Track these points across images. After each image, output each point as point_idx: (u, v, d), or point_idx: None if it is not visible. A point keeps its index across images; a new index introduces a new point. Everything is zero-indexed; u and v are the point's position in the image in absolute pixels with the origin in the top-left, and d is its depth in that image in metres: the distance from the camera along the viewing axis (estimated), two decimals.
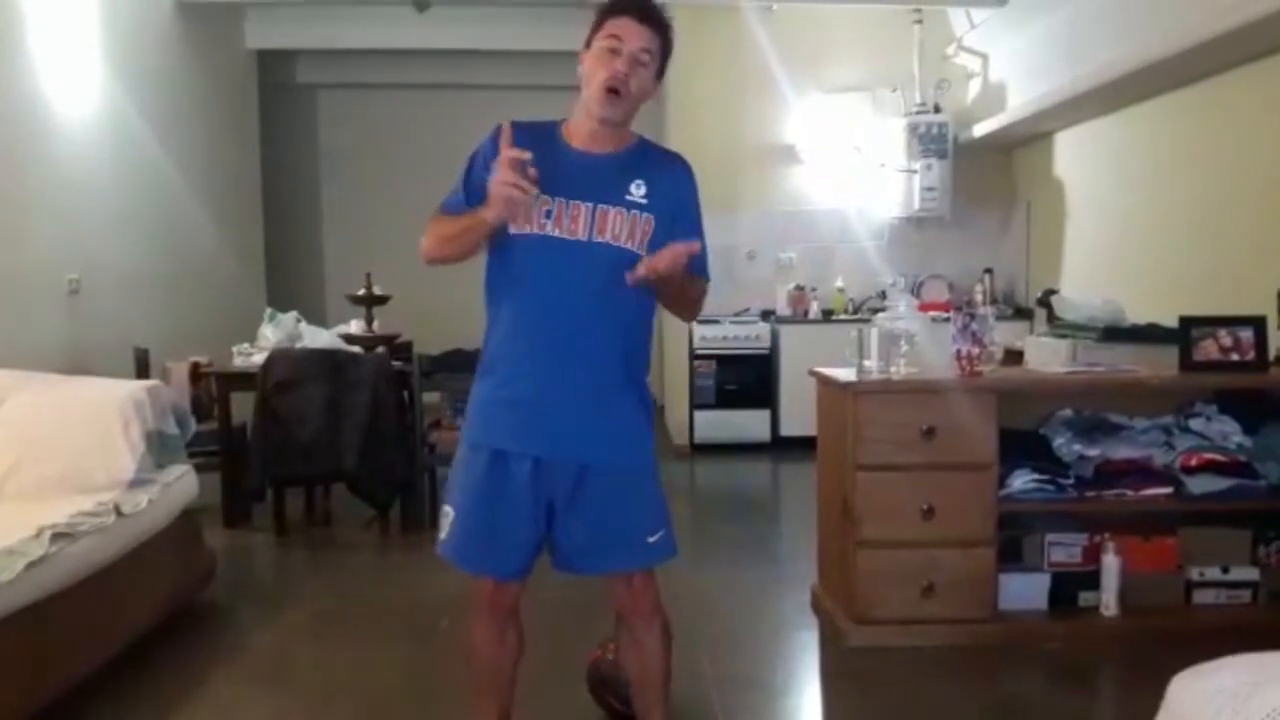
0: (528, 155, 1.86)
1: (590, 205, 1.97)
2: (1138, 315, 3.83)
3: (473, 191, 2.00)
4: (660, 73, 2.03)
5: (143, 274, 5.69)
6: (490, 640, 2.13)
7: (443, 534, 2.06)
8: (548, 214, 1.96)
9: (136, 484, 3.21)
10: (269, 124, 7.95)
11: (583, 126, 2.02)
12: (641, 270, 1.87)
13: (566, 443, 2.00)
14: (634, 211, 1.99)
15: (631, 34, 1.94)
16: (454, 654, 3.17)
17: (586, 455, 2.01)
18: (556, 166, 1.97)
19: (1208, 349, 3.30)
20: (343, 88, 8.63)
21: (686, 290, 2.04)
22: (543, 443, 1.99)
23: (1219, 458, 3.23)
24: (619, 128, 2.03)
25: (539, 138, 2.00)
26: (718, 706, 2.72)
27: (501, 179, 1.84)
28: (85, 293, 5.00)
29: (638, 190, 2.00)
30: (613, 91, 1.93)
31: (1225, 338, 3.28)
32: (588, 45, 2.00)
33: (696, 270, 2.03)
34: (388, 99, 8.56)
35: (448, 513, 2.06)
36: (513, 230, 1.96)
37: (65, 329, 4.87)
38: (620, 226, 1.98)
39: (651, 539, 2.07)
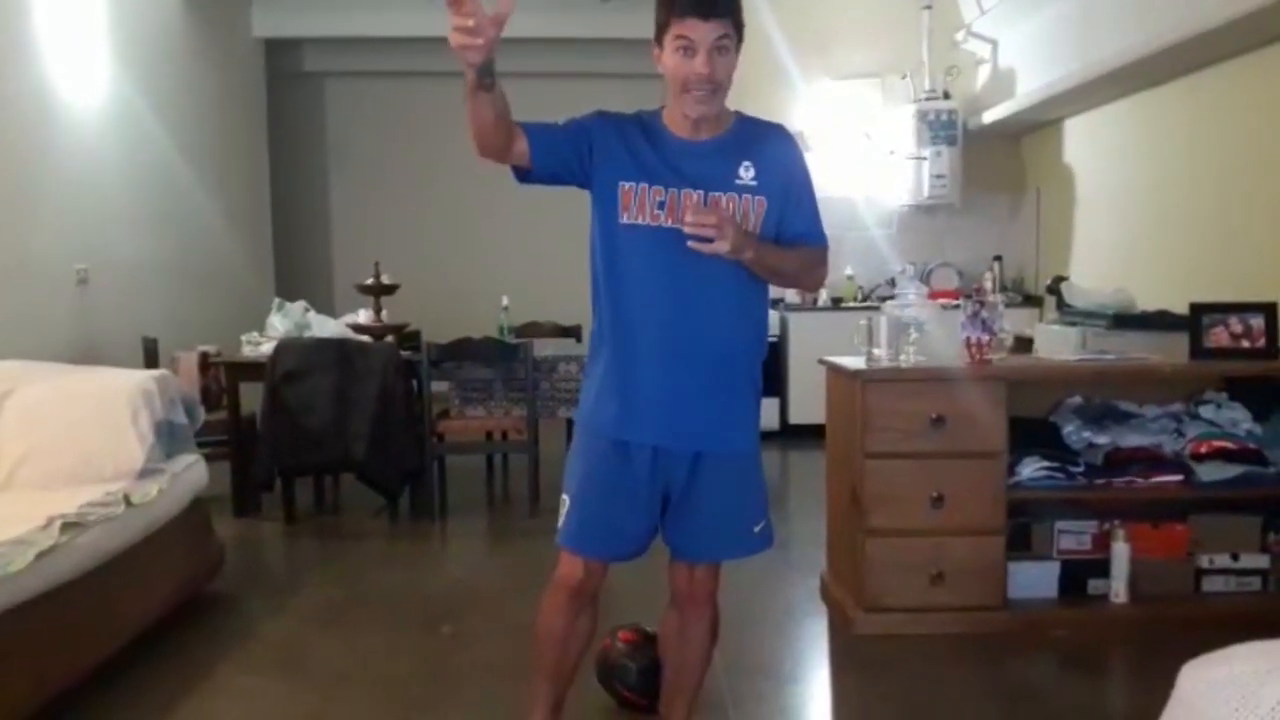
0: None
1: (701, 193, 1.97)
2: (1147, 303, 3.82)
3: (555, 134, 1.98)
4: (740, 40, 1.98)
5: (151, 264, 5.70)
6: (566, 623, 2.13)
7: (560, 522, 2.09)
8: (660, 204, 1.97)
9: (146, 474, 3.22)
10: (277, 112, 7.94)
11: (680, 116, 2.01)
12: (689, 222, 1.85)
13: (684, 431, 2.02)
14: (745, 195, 1.99)
15: (700, 31, 1.91)
16: (465, 643, 3.19)
17: (702, 443, 2.03)
18: (664, 156, 1.99)
19: (1218, 336, 3.28)
20: (350, 76, 8.61)
21: (785, 262, 2.03)
22: (661, 432, 2.02)
23: (1229, 445, 3.21)
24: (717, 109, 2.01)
25: (642, 125, 2.03)
26: (727, 694, 2.72)
27: (455, 36, 1.74)
28: (94, 283, 5.02)
29: (746, 173, 2.00)
30: (700, 94, 1.93)
31: (1236, 325, 3.26)
32: (658, 41, 1.98)
33: (811, 238, 2.06)
34: (396, 87, 8.54)
35: (565, 501, 2.09)
36: (625, 220, 1.98)
37: (74, 319, 4.88)
38: (734, 212, 1.98)
39: (756, 529, 2.12)
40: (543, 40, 7.36)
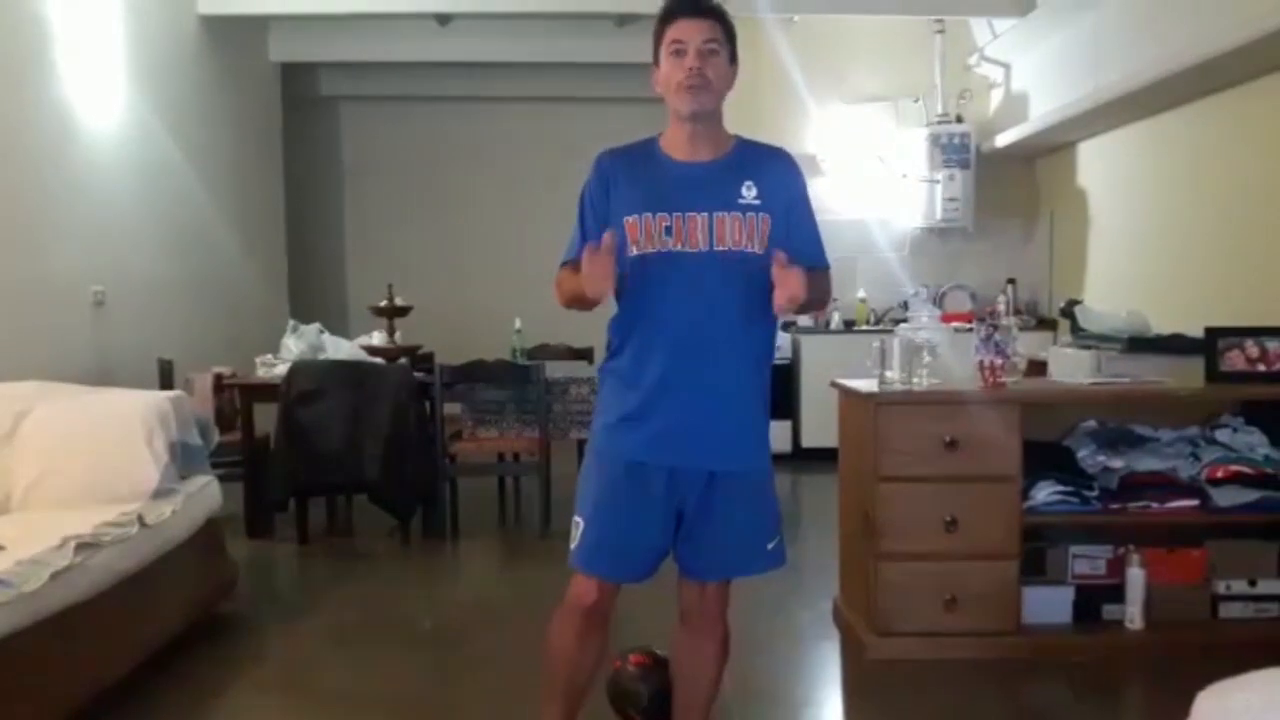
0: (612, 243, 1.93)
1: (706, 215, 1.99)
2: (1162, 326, 3.80)
3: (591, 237, 2.03)
4: (733, 57, 2.06)
5: (167, 285, 5.75)
6: (578, 643, 2.13)
7: (573, 544, 2.08)
8: (668, 230, 1.99)
9: (160, 494, 3.24)
10: (292, 136, 8.02)
11: (679, 137, 2.06)
12: (780, 305, 1.93)
13: (700, 451, 2.03)
14: (750, 214, 2.02)
15: (690, 31, 1.99)
16: (477, 664, 3.18)
17: (719, 462, 2.05)
18: (665, 182, 2.03)
19: (1234, 360, 3.26)
20: (365, 100, 8.69)
21: (812, 289, 2.03)
22: (678, 453, 2.03)
23: (1246, 469, 3.19)
24: (714, 126, 2.07)
25: (637, 158, 2.08)
26: (737, 717, 2.71)
27: (592, 273, 1.90)
28: (110, 304, 5.06)
29: (749, 192, 2.03)
30: (692, 87, 1.98)
31: (1252, 348, 3.25)
32: (655, 62, 2.05)
33: (815, 263, 2.09)
34: (410, 111, 8.62)
35: (578, 523, 2.08)
36: (634, 252, 2.01)
37: (90, 340, 4.92)
38: (738, 231, 2.01)
39: (770, 545, 2.13)
40: (558, 65, 7.43)
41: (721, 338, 2.03)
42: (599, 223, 2.04)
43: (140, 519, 3.00)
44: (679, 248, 1.99)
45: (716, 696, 2.25)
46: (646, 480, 2.03)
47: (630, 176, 2.06)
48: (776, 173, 2.08)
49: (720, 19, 2.03)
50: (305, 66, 8.05)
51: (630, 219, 2.01)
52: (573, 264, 2.04)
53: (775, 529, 2.15)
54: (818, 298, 2.10)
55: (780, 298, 1.91)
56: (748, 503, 2.10)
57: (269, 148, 7.62)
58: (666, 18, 2.02)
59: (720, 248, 2.00)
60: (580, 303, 2.03)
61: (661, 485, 2.03)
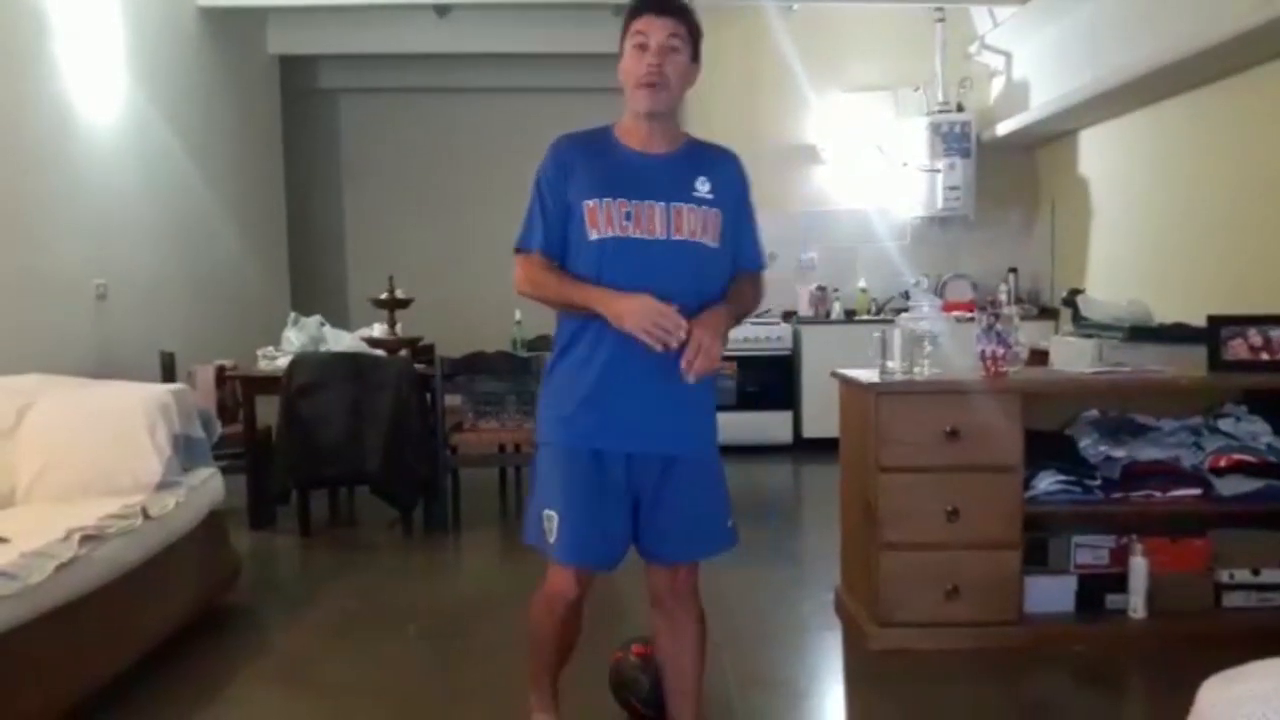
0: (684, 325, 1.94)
1: (664, 204, 2.04)
2: (1164, 315, 3.80)
3: (552, 225, 2.07)
4: (695, 55, 2.09)
5: (168, 279, 5.75)
6: (561, 629, 2.21)
7: (552, 537, 2.09)
8: (628, 216, 2.02)
9: (163, 487, 3.24)
10: (291, 129, 8.00)
11: (635, 129, 2.10)
12: (692, 377, 1.96)
13: (656, 437, 2.08)
14: (704, 207, 2.07)
15: (654, 27, 2.02)
16: (479, 655, 3.19)
17: (673, 447, 2.09)
18: (623, 169, 2.07)
19: (1237, 349, 3.25)
20: (365, 92, 8.67)
21: (741, 311, 2.13)
22: (634, 439, 2.07)
23: (1249, 458, 3.19)
24: (668, 123, 2.11)
25: (595, 146, 2.11)
26: (739, 707, 2.71)
27: (656, 320, 1.92)
28: (112, 298, 5.06)
29: (703, 186, 2.08)
30: (651, 85, 2.02)
31: (1255, 337, 3.24)
32: (621, 53, 2.08)
33: (752, 265, 2.18)
34: (409, 103, 8.60)
35: (551, 516, 2.09)
36: (594, 236, 2.03)
37: (93, 333, 4.92)
38: (694, 222, 2.05)
39: (728, 524, 2.19)
40: (557, 56, 7.40)
41: None
42: (559, 206, 2.06)
43: (144, 511, 3.01)
44: (638, 234, 2.02)
45: (704, 674, 2.28)
46: (606, 468, 2.07)
47: (588, 162, 2.08)
48: (727, 172, 2.14)
49: (685, 17, 2.06)
50: (304, 59, 8.03)
51: (590, 202, 2.03)
52: (538, 253, 2.07)
53: (728, 508, 2.20)
54: (748, 310, 2.17)
55: (701, 366, 1.95)
56: (704, 485, 2.15)
57: (269, 140, 7.61)
58: (634, 11, 2.06)
59: (678, 237, 2.04)
60: (557, 304, 2.08)
61: (620, 471, 2.07)
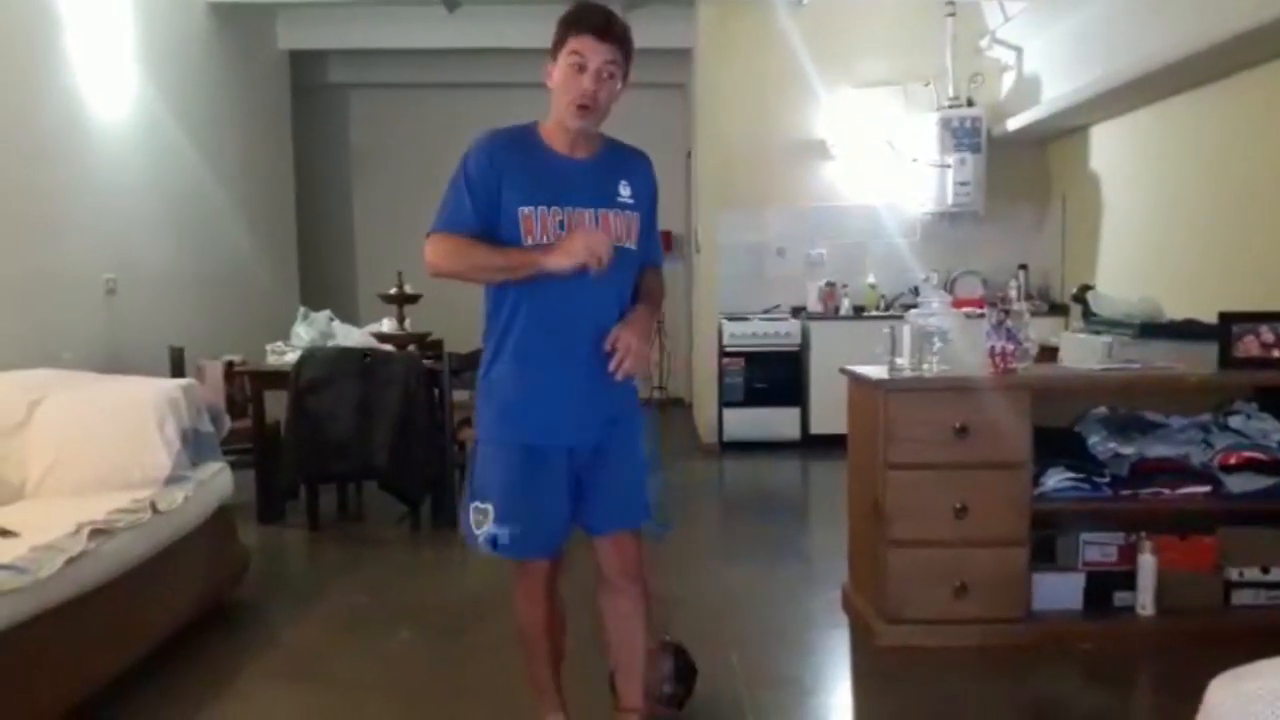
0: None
1: (592, 211, 2.12)
2: (1176, 312, 3.77)
3: (483, 213, 2.10)
4: (626, 76, 2.15)
5: (178, 274, 5.77)
6: (541, 616, 2.28)
7: (480, 529, 2.16)
8: (561, 225, 2.09)
9: (172, 481, 3.25)
10: (301, 124, 8.02)
11: (561, 135, 2.16)
12: (620, 376, 2.11)
13: (592, 426, 2.17)
14: (626, 211, 2.17)
15: (593, 51, 2.06)
16: (487, 650, 3.20)
17: (607, 435, 2.19)
18: (553, 176, 2.13)
19: (1248, 346, 3.23)
20: (374, 87, 8.69)
21: (656, 292, 2.29)
22: (572, 432, 2.16)
23: (1259, 456, 3.17)
24: (592, 131, 2.17)
25: (523, 145, 2.16)
26: (747, 704, 2.71)
27: (598, 248, 2.01)
28: (122, 293, 5.08)
29: (625, 191, 2.18)
30: (584, 108, 2.07)
31: (1266, 334, 3.22)
32: (553, 56, 2.12)
33: (657, 261, 2.32)
34: (419, 98, 8.61)
35: (488, 510, 2.15)
36: (529, 241, 2.09)
37: (102, 328, 4.94)
38: (620, 227, 2.15)
39: (651, 498, 2.28)
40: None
41: (605, 323, 2.13)
42: (489, 200, 2.10)
43: (153, 505, 3.02)
44: None
45: (644, 652, 2.36)
46: (545, 460, 2.15)
47: (520, 166, 2.13)
48: (643, 175, 2.24)
49: (623, 45, 2.10)
50: (314, 54, 8.05)
51: (525, 210, 2.09)
52: (468, 234, 2.10)
53: (650, 467, 2.31)
54: (659, 305, 2.28)
55: (629, 367, 2.10)
56: (631, 454, 2.25)
57: (278, 135, 7.63)
58: (573, 27, 2.08)
59: None
60: (493, 272, 2.11)
61: (561, 462, 2.16)
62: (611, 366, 2.09)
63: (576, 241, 2.02)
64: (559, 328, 2.13)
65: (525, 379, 2.15)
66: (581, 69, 2.06)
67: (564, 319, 2.13)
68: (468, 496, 2.21)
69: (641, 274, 2.25)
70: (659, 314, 2.29)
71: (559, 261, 2.02)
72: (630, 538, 2.27)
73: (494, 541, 2.15)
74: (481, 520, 2.16)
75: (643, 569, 2.30)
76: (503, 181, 2.10)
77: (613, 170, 2.19)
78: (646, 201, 2.23)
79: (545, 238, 2.08)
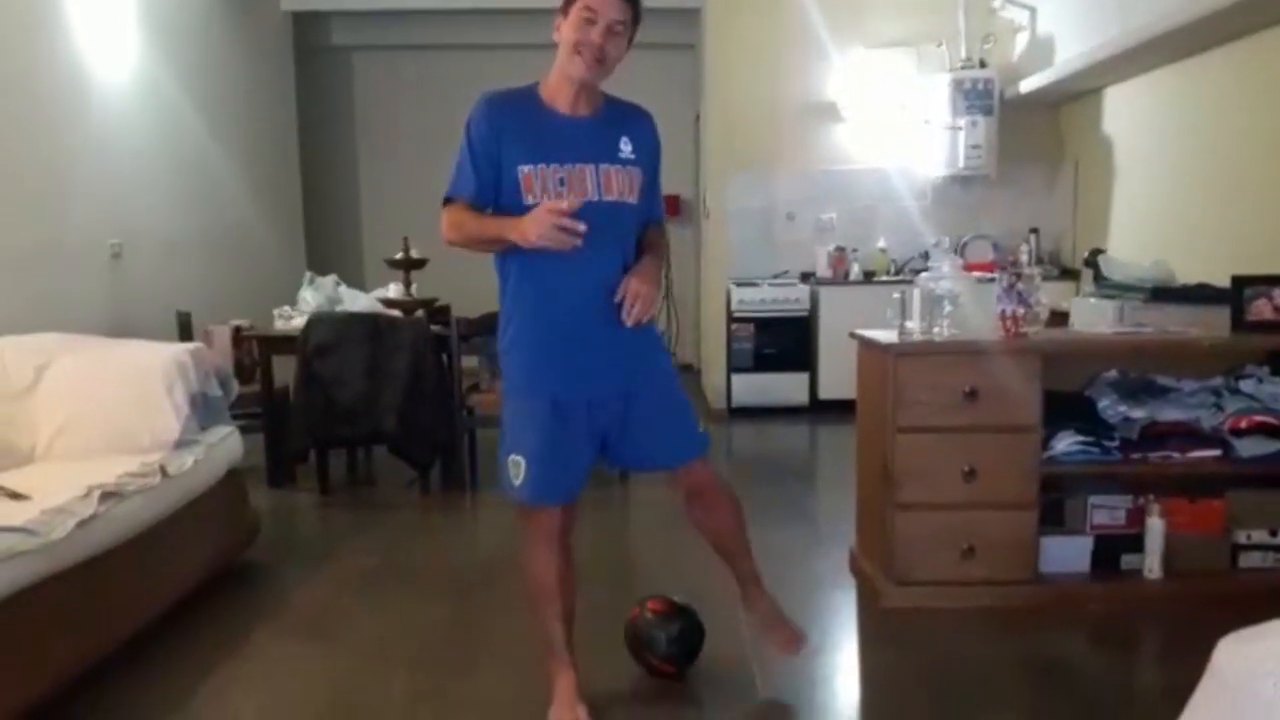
0: (576, 205, 2.09)
1: (594, 167, 2.19)
2: (1187, 275, 3.75)
3: (484, 178, 2.19)
4: (631, 39, 2.21)
5: (183, 238, 5.75)
6: (553, 565, 2.36)
7: (518, 480, 2.28)
8: (561, 181, 2.16)
9: (181, 445, 3.27)
10: (305, 86, 7.97)
11: (563, 90, 2.22)
12: (630, 321, 2.20)
13: (611, 377, 2.28)
14: (628, 167, 2.24)
15: (605, 8, 2.13)
16: (496, 611, 3.22)
17: (627, 382, 2.31)
18: (554, 134, 2.19)
19: (1261, 309, 3.21)
20: (378, 49, 8.61)
21: (660, 246, 2.38)
22: (590, 385, 2.27)
23: (1270, 420, 3.15)
24: (594, 87, 2.23)
25: (524, 108, 2.22)
26: (754, 664, 2.73)
27: (555, 223, 2.05)
28: (127, 257, 5.07)
29: (626, 147, 2.24)
30: (590, 62, 2.14)
31: (1279, 298, 3.19)
32: (564, 12, 2.17)
33: (659, 218, 2.40)
34: (423, 60, 8.53)
35: (519, 461, 2.28)
36: (530, 201, 2.15)
37: (108, 293, 4.94)
38: (621, 182, 2.22)
39: (700, 428, 2.46)
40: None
41: (610, 277, 2.22)
42: (489, 162, 2.18)
43: (162, 469, 3.03)
44: (572, 197, 2.14)
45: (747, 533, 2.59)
46: (569, 412, 2.27)
47: (520, 126, 2.19)
48: (644, 131, 2.30)
49: (634, 4, 2.17)
50: (316, 15, 7.97)
51: (525, 169, 2.16)
52: (467, 202, 2.21)
53: (694, 411, 2.47)
54: (664, 258, 2.37)
55: (639, 313, 2.19)
56: (668, 399, 2.39)
57: (282, 99, 7.58)
58: None
59: (609, 197, 2.19)
60: (488, 245, 2.22)
61: (583, 413, 2.28)
62: (624, 314, 2.18)
63: (528, 227, 2.07)
64: (564, 286, 2.20)
65: (540, 338, 2.25)
66: (591, 22, 2.12)
67: (567, 277, 2.19)
68: (503, 452, 2.32)
69: (644, 230, 2.33)
70: (664, 264, 2.36)
71: (518, 239, 2.09)
72: (700, 464, 2.44)
73: (526, 489, 2.27)
74: (517, 471, 2.28)
75: (719, 474, 2.55)
76: (502, 142, 2.17)
77: (614, 127, 2.24)
78: (648, 157, 2.28)
79: (546, 196, 2.14)
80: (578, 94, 2.20)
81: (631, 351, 2.29)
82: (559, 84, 2.21)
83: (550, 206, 2.07)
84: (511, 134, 2.17)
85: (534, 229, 2.05)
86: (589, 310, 2.22)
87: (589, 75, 2.16)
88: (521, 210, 2.14)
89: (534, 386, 2.28)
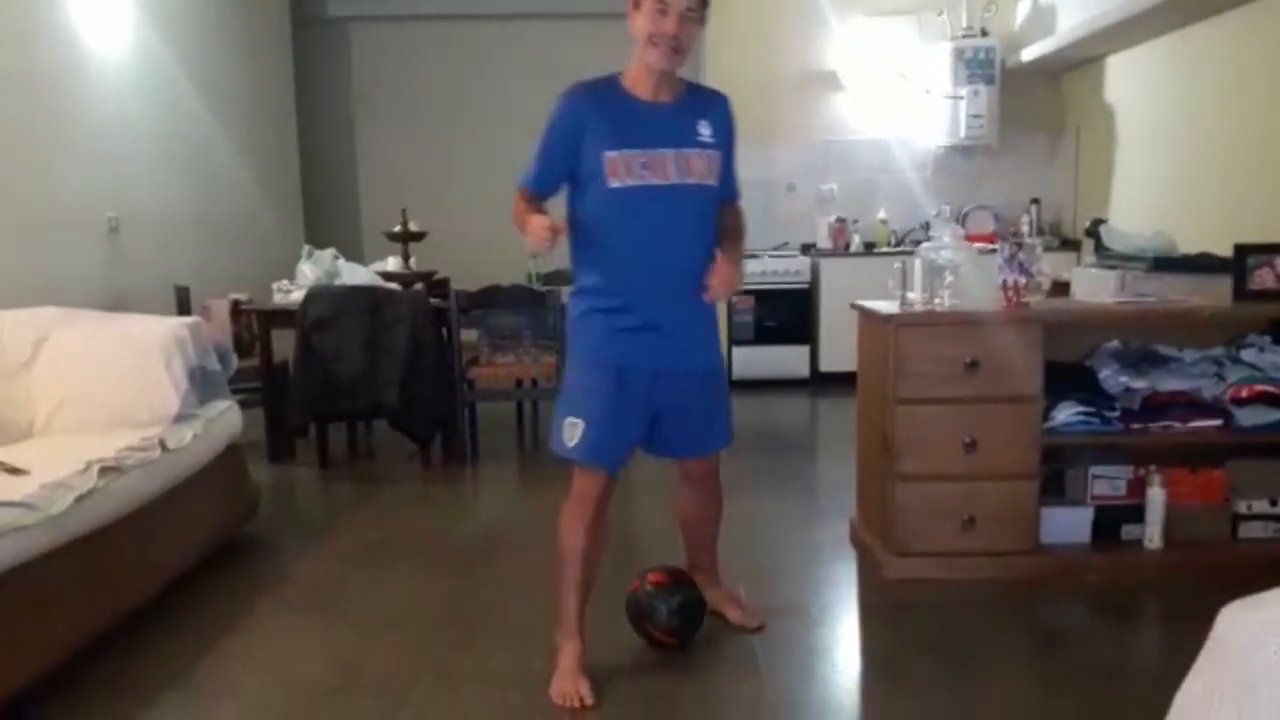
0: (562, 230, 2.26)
1: (674, 151, 2.29)
2: (1189, 245, 3.71)
3: (548, 170, 2.35)
4: (704, 20, 2.32)
5: (180, 212, 5.72)
6: (589, 535, 2.43)
7: (573, 440, 2.38)
8: (644, 165, 2.27)
9: (181, 419, 3.26)
10: (302, 59, 7.89)
11: (644, 80, 2.32)
12: (708, 296, 2.36)
13: (678, 356, 2.41)
14: (707, 151, 2.35)
15: None
16: (496, 584, 3.23)
17: (692, 364, 2.45)
18: (636, 120, 2.30)
19: (1263, 278, 3.20)
20: (375, 20, 8.51)
21: (739, 226, 2.55)
22: (659, 358, 2.38)
23: (1271, 389, 3.15)
24: (673, 75, 2.34)
25: (607, 96, 2.33)
26: (754, 635, 2.74)
27: (541, 236, 2.19)
28: (125, 231, 5.04)
29: (705, 131, 2.35)
30: (670, 50, 2.24)
31: None
32: (636, 4, 2.27)
33: (735, 197, 2.54)
34: (421, 30, 8.44)
35: (577, 423, 2.37)
36: (614, 184, 2.27)
37: (106, 267, 4.92)
38: (701, 166, 2.33)
39: (730, 423, 2.62)
40: None
41: (689, 256, 2.35)
42: (568, 156, 2.30)
43: (161, 443, 3.03)
44: (654, 181, 2.28)
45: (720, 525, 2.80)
46: (634, 383, 2.37)
47: (603, 114, 2.29)
48: (722, 115, 2.42)
49: None
50: None
51: (610, 154, 2.26)
52: (529, 191, 2.35)
53: (729, 412, 2.63)
54: (743, 237, 2.54)
55: (721, 289, 2.34)
56: (716, 394, 2.56)
57: (279, 70, 7.51)
58: None
59: (690, 180, 2.31)
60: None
61: (646, 385, 2.38)
62: (708, 291, 2.33)
63: (528, 226, 2.22)
64: (646, 265, 2.33)
65: (616, 311, 2.35)
66: (664, 13, 2.22)
67: (651, 257, 2.32)
68: (560, 412, 2.42)
69: (722, 209, 2.44)
70: (744, 245, 2.54)
71: (520, 230, 2.27)
72: (714, 455, 2.64)
73: (580, 449, 2.36)
74: (573, 433, 2.37)
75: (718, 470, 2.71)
76: (586, 130, 2.28)
77: (693, 112, 2.35)
78: (725, 139, 2.40)
79: (630, 179, 2.26)
80: (658, 82, 2.31)
81: (700, 339, 2.46)
82: (639, 73, 2.32)
83: (550, 225, 2.20)
84: (594, 122, 2.28)
85: (529, 232, 2.22)
86: (668, 289, 2.34)
87: (667, 65, 2.27)
88: (605, 192, 2.27)
89: (603, 356, 2.37)
